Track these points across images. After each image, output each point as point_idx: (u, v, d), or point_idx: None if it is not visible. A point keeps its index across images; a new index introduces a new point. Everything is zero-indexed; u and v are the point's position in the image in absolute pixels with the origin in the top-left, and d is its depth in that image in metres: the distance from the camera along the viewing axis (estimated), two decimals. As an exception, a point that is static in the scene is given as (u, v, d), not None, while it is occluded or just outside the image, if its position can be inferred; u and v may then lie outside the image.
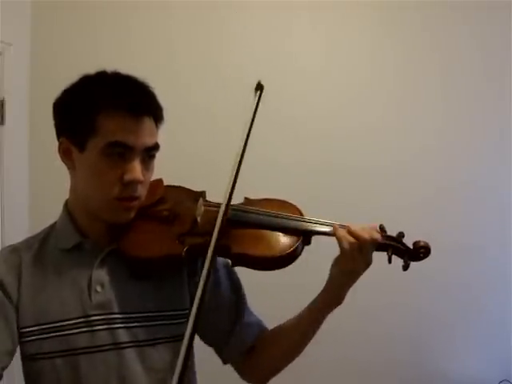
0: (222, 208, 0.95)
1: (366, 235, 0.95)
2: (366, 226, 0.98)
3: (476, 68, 2.44)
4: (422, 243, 1.00)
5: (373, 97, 2.38)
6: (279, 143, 2.30)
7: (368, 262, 0.97)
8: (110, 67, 1.00)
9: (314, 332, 1.06)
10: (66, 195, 1.06)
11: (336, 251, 0.97)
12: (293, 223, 1.01)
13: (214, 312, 1.06)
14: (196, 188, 1.10)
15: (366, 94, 2.37)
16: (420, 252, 1.00)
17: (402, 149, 2.39)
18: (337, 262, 0.99)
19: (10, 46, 2.05)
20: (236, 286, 1.12)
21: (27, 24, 2.17)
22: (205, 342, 1.10)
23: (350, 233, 0.96)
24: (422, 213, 2.34)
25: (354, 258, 0.95)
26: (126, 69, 1.01)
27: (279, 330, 1.10)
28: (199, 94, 2.24)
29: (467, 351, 2.41)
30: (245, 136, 0.98)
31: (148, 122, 0.96)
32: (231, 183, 0.95)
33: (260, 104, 1.01)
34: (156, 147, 0.99)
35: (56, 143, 1.00)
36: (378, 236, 0.96)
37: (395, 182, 2.38)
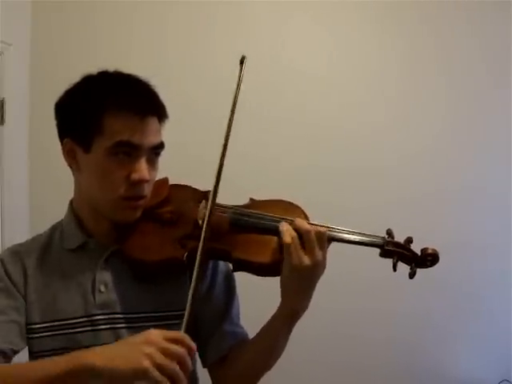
0: (209, 204, 0.92)
1: (308, 227, 0.90)
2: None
3: (476, 68, 2.44)
4: (429, 250, 0.96)
5: (373, 98, 2.37)
6: (280, 144, 2.29)
7: (314, 261, 0.89)
8: (109, 67, 1.00)
9: (278, 344, 1.00)
10: (65, 195, 1.06)
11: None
12: None
13: (201, 312, 1.04)
14: (201, 187, 1.06)
15: (366, 94, 2.37)
16: (427, 260, 0.96)
17: (403, 149, 2.38)
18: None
19: (9, 46, 2.04)
20: (229, 294, 1.09)
21: (27, 24, 2.16)
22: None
23: (293, 226, 0.92)
24: (422, 213, 2.33)
25: (296, 254, 0.89)
26: (125, 68, 1.01)
27: (246, 342, 1.06)
28: (198, 94, 2.24)
29: (467, 351, 2.41)
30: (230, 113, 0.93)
31: (153, 122, 0.97)
32: (218, 169, 0.91)
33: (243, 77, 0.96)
34: (161, 146, 0.99)
35: (56, 143, 1.00)
36: (323, 229, 0.90)
37: (396, 182, 2.37)
